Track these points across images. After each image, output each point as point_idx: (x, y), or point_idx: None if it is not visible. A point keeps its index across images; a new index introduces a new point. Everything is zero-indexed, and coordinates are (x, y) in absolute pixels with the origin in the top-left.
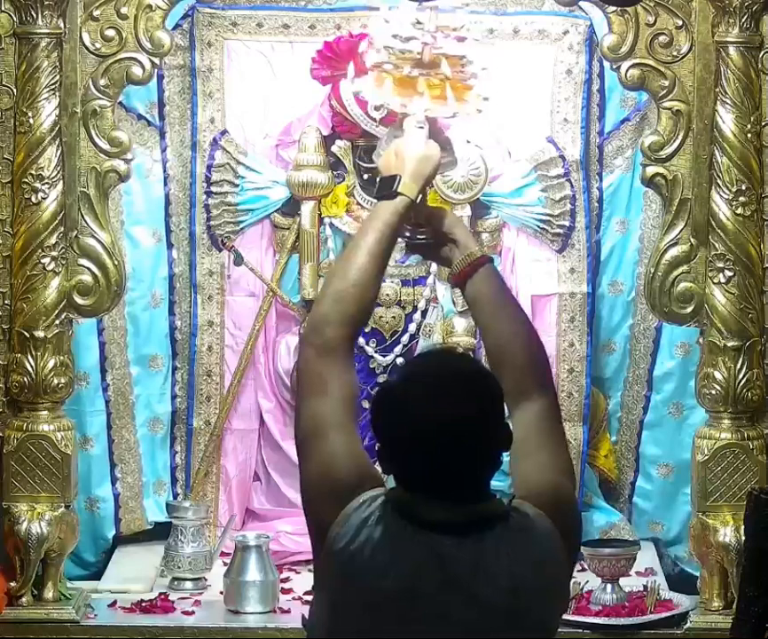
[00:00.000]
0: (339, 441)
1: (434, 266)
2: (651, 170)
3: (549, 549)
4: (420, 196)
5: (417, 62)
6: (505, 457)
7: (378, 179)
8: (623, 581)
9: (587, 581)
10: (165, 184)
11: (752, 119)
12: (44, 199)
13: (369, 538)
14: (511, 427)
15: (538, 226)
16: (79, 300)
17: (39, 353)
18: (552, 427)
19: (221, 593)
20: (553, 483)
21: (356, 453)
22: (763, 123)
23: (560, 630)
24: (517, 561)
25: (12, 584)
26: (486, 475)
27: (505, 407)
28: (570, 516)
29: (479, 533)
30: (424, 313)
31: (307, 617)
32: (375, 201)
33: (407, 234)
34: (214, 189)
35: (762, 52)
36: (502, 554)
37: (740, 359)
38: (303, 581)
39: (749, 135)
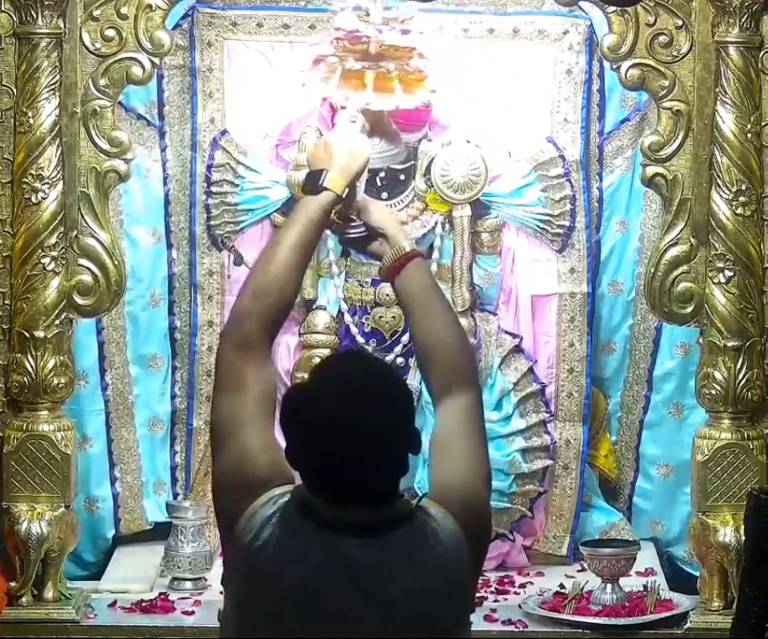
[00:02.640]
0: (252, 436)
1: (434, 266)
2: (651, 170)
3: (454, 552)
4: (348, 190)
5: (363, 55)
6: (503, 457)
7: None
8: (623, 581)
9: (587, 581)
10: (165, 183)
11: (752, 119)
12: (44, 199)
13: (272, 535)
14: (420, 430)
15: (538, 226)
16: (79, 300)
17: (39, 353)
18: (473, 426)
19: (221, 593)
20: (467, 488)
21: (270, 450)
22: (763, 123)
23: (560, 630)
24: (421, 563)
25: (12, 584)
26: (393, 479)
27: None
28: (480, 524)
29: (384, 534)
30: None
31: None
32: (373, 199)
33: (337, 228)
34: (214, 189)
35: (762, 52)
36: (406, 555)
37: (740, 359)
38: None
39: (749, 135)
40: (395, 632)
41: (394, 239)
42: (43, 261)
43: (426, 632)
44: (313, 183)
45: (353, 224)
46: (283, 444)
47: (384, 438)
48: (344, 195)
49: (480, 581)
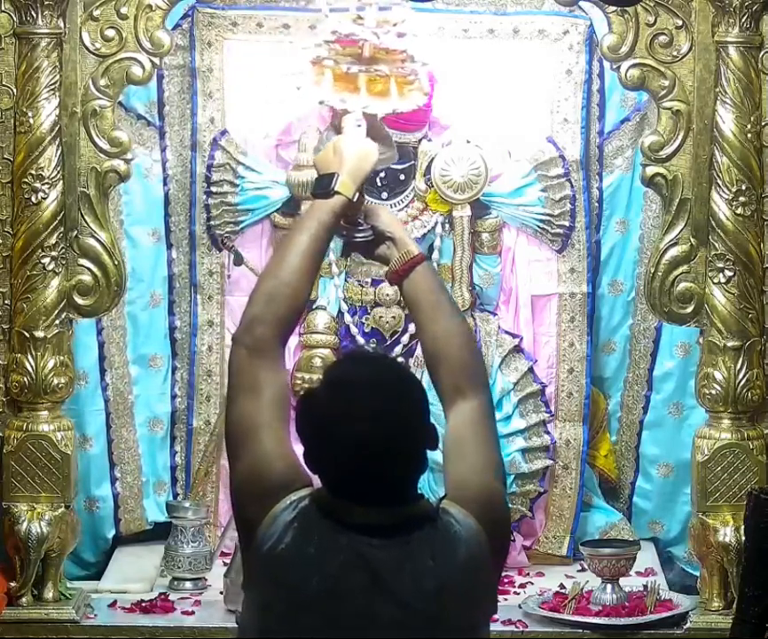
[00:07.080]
0: (270, 442)
1: (434, 266)
2: (651, 170)
3: (476, 552)
4: (357, 194)
5: (357, 58)
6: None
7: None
8: (623, 581)
9: (587, 581)
10: (164, 183)
11: (752, 119)
12: (44, 199)
13: (295, 539)
14: (437, 427)
15: (538, 226)
16: (79, 300)
17: (39, 353)
18: (486, 427)
19: (221, 593)
20: (487, 487)
21: (286, 454)
22: (763, 123)
23: (560, 630)
24: (443, 563)
25: (12, 584)
26: (412, 477)
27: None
28: (501, 521)
29: (405, 535)
30: None
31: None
32: (374, 201)
33: (344, 232)
34: (214, 189)
35: (762, 52)
36: (428, 556)
37: (740, 359)
38: None
39: (749, 135)
40: (417, 633)
41: (401, 242)
42: (43, 261)
43: (447, 632)
44: (324, 187)
45: (360, 228)
46: (301, 448)
47: (399, 437)
48: (355, 199)
49: None
